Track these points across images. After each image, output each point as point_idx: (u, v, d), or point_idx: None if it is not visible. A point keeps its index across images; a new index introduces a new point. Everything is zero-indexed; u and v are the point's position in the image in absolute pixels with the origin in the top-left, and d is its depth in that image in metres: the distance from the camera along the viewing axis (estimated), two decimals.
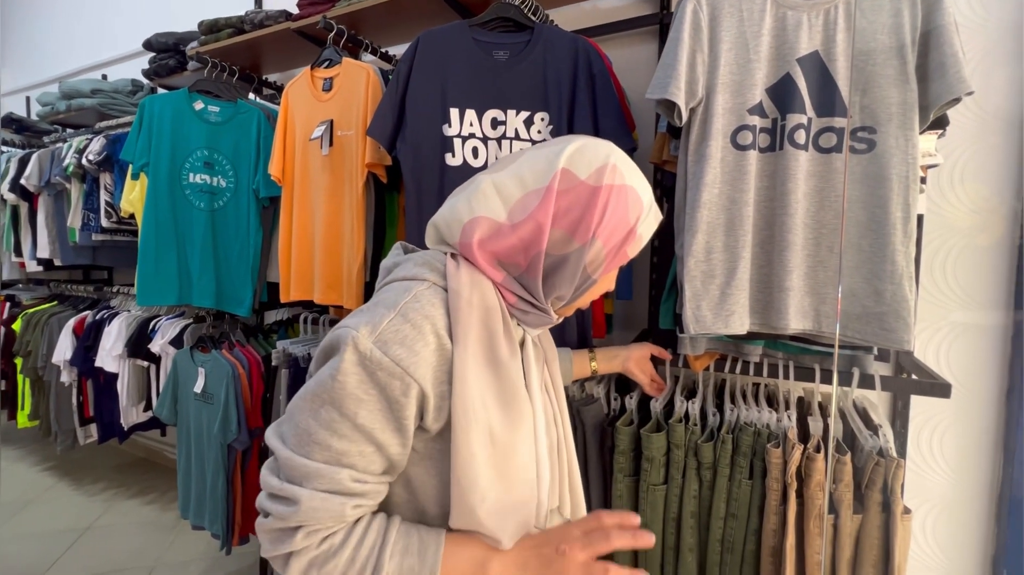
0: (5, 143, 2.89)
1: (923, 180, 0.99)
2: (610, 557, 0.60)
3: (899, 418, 1.25)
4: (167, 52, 2.16)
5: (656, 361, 1.14)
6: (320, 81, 1.51)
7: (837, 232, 0.94)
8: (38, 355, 2.48)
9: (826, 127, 0.94)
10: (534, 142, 1.20)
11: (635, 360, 1.11)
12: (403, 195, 1.35)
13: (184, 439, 1.85)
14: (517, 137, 1.20)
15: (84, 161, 2.11)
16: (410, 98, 1.22)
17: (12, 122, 2.93)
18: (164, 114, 1.75)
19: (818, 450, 0.98)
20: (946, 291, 1.25)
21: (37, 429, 2.63)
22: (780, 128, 0.96)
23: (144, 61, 2.29)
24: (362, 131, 1.37)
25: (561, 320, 0.68)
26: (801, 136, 0.94)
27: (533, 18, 1.23)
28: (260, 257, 1.79)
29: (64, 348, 2.29)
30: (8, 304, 2.87)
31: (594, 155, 0.60)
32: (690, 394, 1.17)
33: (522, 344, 0.64)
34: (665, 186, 1.41)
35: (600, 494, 1.17)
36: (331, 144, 1.45)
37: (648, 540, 0.57)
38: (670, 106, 0.96)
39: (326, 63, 1.51)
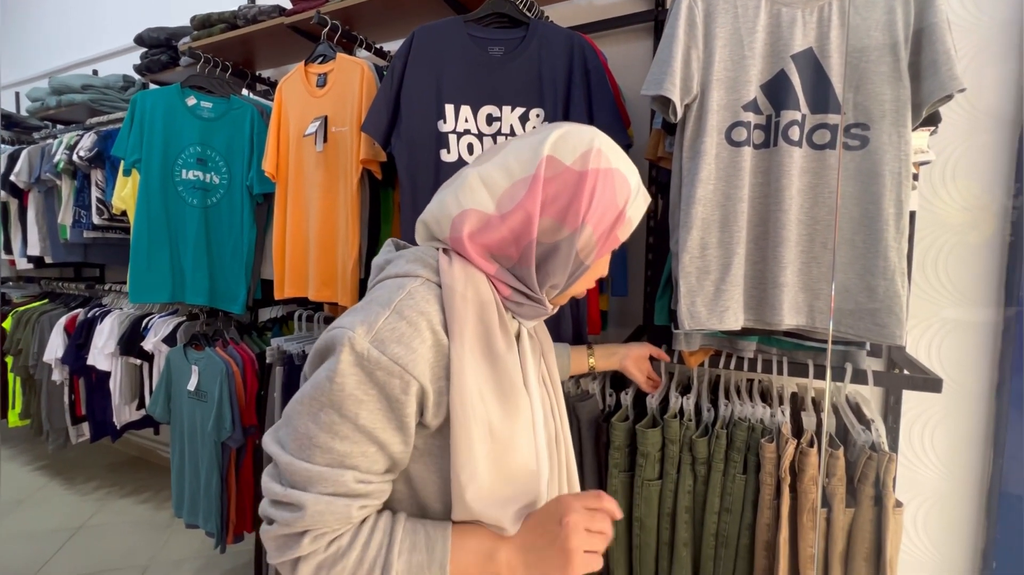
0: None
1: (915, 177, 0.99)
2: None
3: (891, 413, 1.27)
4: (159, 47, 2.13)
5: (654, 361, 1.15)
6: (314, 77, 1.50)
7: (831, 228, 0.95)
8: (29, 353, 2.46)
9: (820, 124, 0.95)
10: None
11: (633, 359, 1.11)
12: (398, 191, 1.35)
13: (178, 437, 1.84)
14: (512, 133, 1.20)
15: (75, 157, 2.09)
16: (405, 94, 1.22)
17: (1, 118, 2.89)
18: (156, 110, 1.73)
19: (811, 445, 0.99)
20: (938, 287, 1.26)
21: (28, 428, 2.61)
22: (774, 124, 0.96)
23: (135, 56, 2.26)
24: (357, 127, 1.36)
25: (556, 310, 0.68)
26: (795, 132, 0.95)
27: (528, 14, 1.23)
28: (254, 254, 1.78)
29: (55, 346, 2.28)
30: None
31: (578, 140, 0.59)
32: (685, 390, 1.18)
33: (518, 337, 0.64)
34: (660, 183, 1.41)
35: (595, 489, 1.17)
36: (325, 140, 1.44)
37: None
38: (665, 102, 0.96)
39: (320, 59, 1.50)
